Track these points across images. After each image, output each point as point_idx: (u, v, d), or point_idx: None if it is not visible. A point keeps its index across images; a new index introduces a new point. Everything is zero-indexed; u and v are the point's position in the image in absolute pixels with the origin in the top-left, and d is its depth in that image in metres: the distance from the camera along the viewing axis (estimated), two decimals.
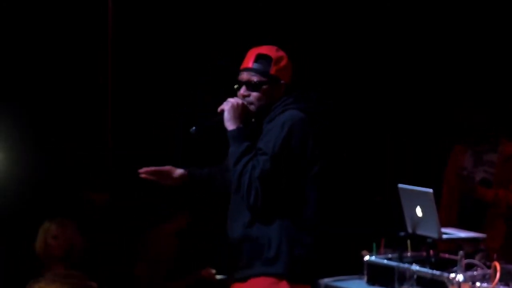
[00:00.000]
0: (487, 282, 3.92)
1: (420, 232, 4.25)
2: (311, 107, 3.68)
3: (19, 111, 6.10)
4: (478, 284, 3.93)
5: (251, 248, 3.60)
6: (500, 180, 5.44)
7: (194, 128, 3.67)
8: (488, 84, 6.03)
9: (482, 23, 6.19)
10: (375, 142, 6.69)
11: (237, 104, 3.63)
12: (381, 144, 6.68)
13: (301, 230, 3.60)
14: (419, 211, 4.22)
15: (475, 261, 4.07)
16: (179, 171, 3.90)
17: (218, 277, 5.81)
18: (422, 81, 6.52)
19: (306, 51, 6.58)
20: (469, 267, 4.00)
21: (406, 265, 4.16)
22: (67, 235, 5.25)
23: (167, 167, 3.90)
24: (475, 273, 3.98)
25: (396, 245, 4.32)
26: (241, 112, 3.64)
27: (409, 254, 4.32)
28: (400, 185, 4.36)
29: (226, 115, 3.62)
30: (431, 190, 4.16)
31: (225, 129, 3.65)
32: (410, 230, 4.31)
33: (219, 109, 3.67)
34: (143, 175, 3.85)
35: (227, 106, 3.63)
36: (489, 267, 3.99)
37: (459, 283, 3.92)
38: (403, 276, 4.14)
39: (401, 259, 4.23)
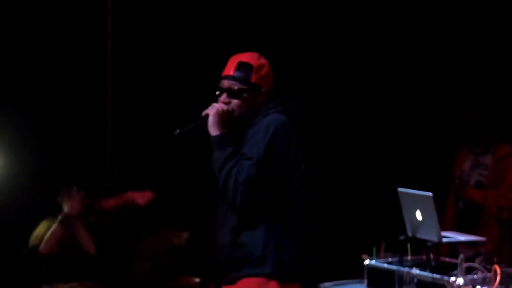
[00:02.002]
0: (488, 285, 3.94)
1: (420, 235, 4.26)
2: (291, 107, 3.71)
3: (19, 115, 6.11)
4: (478, 287, 3.93)
5: (239, 253, 3.62)
6: (493, 182, 5.46)
7: (178, 130, 3.67)
8: (487, 89, 6.02)
9: (481, 30, 6.20)
10: (373, 144, 6.68)
11: (222, 109, 3.66)
12: (379, 146, 6.67)
13: (288, 232, 3.61)
14: (419, 215, 4.22)
15: (475, 265, 4.07)
16: None
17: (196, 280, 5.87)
18: (421, 84, 6.51)
19: (308, 52, 6.56)
20: (469, 271, 4.01)
21: (406, 269, 4.16)
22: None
23: None
24: (475, 276, 3.99)
25: (396, 249, 4.32)
26: (225, 118, 3.67)
27: (409, 257, 4.33)
28: (400, 189, 4.36)
29: (211, 119, 3.64)
30: (431, 194, 4.17)
31: (208, 133, 3.66)
32: (410, 233, 4.32)
33: (203, 113, 3.69)
34: None
35: (212, 111, 3.66)
36: (489, 270, 3.99)
37: (459, 286, 3.92)
38: (403, 280, 4.15)
39: (401, 263, 4.24)
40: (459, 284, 3.92)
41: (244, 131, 3.68)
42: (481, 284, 3.95)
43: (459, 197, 5.52)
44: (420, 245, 4.28)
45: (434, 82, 6.45)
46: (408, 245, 4.33)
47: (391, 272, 4.21)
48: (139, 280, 5.77)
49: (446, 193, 5.56)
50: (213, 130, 3.63)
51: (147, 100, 6.56)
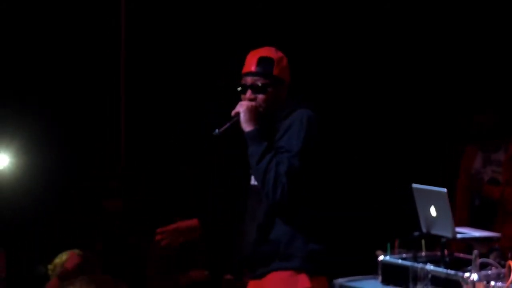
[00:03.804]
0: (502, 281, 3.94)
1: (434, 231, 4.27)
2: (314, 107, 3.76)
3: (31, 116, 6.15)
4: (492, 283, 3.94)
5: (266, 248, 3.64)
6: (507, 178, 5.47)
7: (216, 131, 3.67)
8: (496, 87, 6.04)
9: (490, 29, 6.22)
10: (386, 144, 6.70)
11: (252, 106, 3.69)
12: (391, 146, 6.68)
13: (315, 224, 3.65)
14: (433, 211, 4.23)
15: (490, 260, 4.08)
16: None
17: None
18: (427, 82, 6.53)
19: (307, 52, 6.58)
20: (483, 267, 4.02)
21: (420, 265, 4.17)
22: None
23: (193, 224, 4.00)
24: (489, 272, 4.00)
25: (410, 245, 4.33)
26: (256, 114, 3.69)
27: (423, 253, 4.34)
28: (414, 185, 4.37)
29: (243, 117, 3.66)
30: (445, 190, 4.18)
31: (240, 131, 3.68)
32: (424, 229, 4.33)
33: (233, 112, 3.70)
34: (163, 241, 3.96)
35: (243, 108, 3.68)
36: (503, 266, 4.00)
37: (473, 282, 3.93)
38: (417, 275, 4.16)
39: (415, 259, 4.25)
40: (473, 280, 3.93)
41: (271, 125, 3.70)
42: (495, 280, 3.96)
43: (475, 194, 5.55)
44: (434, 241, 4.30)
45: (440, 79, 6.47)
46: (423, 241, 4.34)
47: (405, 268, 4.22)
48: (150, 274, 5.79)
49: (453, 192, 5.56)
50: (247, 126, 3.65)
51: (159, 102, 6.60)
